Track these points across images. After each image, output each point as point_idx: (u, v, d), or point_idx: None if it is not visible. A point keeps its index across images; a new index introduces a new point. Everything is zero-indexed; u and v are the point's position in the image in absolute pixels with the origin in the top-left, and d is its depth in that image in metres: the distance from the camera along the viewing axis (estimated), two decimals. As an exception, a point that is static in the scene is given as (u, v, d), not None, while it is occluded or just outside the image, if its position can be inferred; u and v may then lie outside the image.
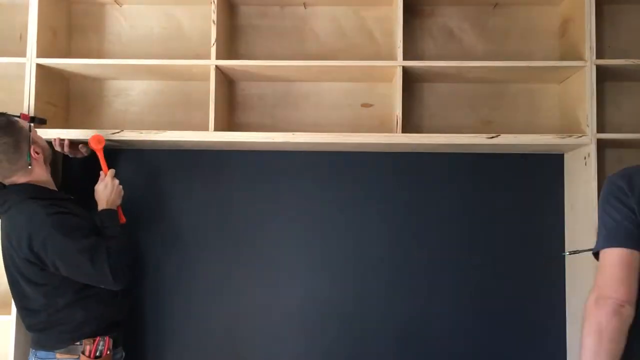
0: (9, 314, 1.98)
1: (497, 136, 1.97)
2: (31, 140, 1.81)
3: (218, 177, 2.24)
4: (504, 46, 2.25)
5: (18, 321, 1.97)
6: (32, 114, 2.02)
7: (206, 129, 2.02)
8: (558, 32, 2.24)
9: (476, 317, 2.17)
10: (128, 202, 2.24)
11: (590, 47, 1.98)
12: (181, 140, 2.04)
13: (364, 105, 2.27)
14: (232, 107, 2.28)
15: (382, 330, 2.19)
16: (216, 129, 2.03)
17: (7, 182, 1.82)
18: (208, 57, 2.05)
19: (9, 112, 2.02)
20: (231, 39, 2.28)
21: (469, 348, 2.17)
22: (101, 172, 1.97)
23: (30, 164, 1.78)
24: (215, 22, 2.07)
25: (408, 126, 2.15)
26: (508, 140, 1.97)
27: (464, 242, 2.19)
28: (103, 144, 1.97)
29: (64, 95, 2.27)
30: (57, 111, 2.20)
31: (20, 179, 1.82)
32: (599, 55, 2.02)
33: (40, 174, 1.86)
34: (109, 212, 1.90)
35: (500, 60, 2.10)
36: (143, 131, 2.02)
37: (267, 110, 2.28)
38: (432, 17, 2.27)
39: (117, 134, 2.01)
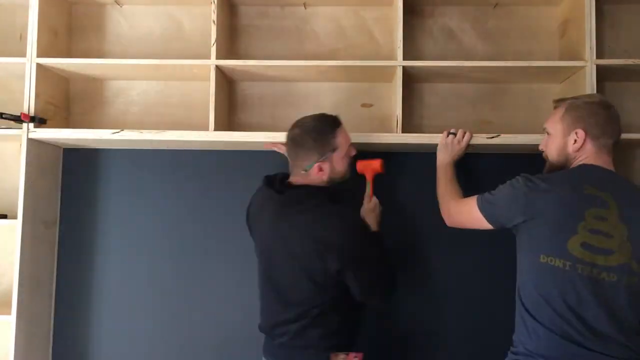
0: (9, 314, 1.98)
1: (497, 136, 1.97)
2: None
3: (218, 177, 2.24)
4: (504, 46, 2.25)
5: (18, 321, 1.98)
6: (32, 114, 2.02)
7: (206, 129, 2.02)
8: (558, 32, 2.24)
9: (476, 317, 2.17)
10: (128, 202, 2.25)
11: (590, 47, 1.98)
12: (181, 140, 2.04)
13: (364, 105, 2.28)
14: (232, 107, 2.28)
15: (382, 331, 2.19)
16: (216, 129, 2.03)
17: (295, 170, 1.76)
18: (208, 57, 2.05)
19: (9, 112, 2.03)
20: (231, 39, 2.28)
21: (470, 348, 2.17)
22: (366, 195, 1.97)
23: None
24: (215, 22, 2.07)
25: (408, 126, 2.15)
26: (508, 140, 1.97)
27: (464, 241, 2.18)
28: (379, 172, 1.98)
29: (64, 95, 2.27)
30: (57, 111, 2.20)
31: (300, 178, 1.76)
32: (599, 55, 2.02)
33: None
34: (380, 234, 1.85)
35: (500, 60, 2.10)
36: (143, 131, 2.02)
37: (267, 110, 2.28)
38: (432, 17, 2.27)
39: (117, 134, 2.01)
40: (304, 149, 1.73)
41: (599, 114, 1.61)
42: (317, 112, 2.24)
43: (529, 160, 2.18)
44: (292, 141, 1.76)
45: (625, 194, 1.53)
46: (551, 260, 1.48)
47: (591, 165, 1.58)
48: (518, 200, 1.55)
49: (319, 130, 1.74)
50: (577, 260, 1.45)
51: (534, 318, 1.51)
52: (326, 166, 1.73)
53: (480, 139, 1.97)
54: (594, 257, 1.45)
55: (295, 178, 1.77)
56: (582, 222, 1.46)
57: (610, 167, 1.61)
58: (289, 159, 1.80)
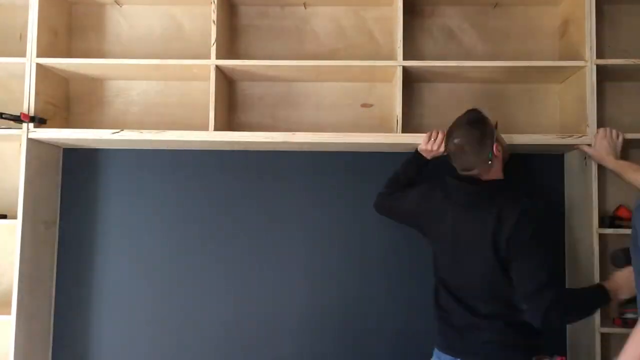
0: (9, 313, 1.98)
1: (497, 136, 1.97)
2: (495, 138, 1.76)
3: (218, 177, 2.24)
4: (504, 46, 2.25)
5: (18, 321, 1.97)
6: (32, 114, 2.02)
7: (206, 129, 2.02)
8: (558, 32, 2.24)
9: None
10: (128, 202, 2.25)
11: (590, 47, 1.98)
12: (181, 140, 2.04)
13: (364, 105, 2.27)
14: (232, 107, 2.28)
15: (383, 331, 2.19)
16: (216, 129, 2.03)
17: (465, 173, 1.77)
18: (208, 57, 2.05)
19: (9, 112, 2.03)
20: (231, 39, 2.28)
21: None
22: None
23: (490, 160, 1.74)
24: (215, 22, 2.07)
25: (408, 126, 2.15)
26: (508, 140, 1.96)
27: (464, 242, 2.18)
28: None
29: (64, 95, 2.27)
30: (57, 111, 2.20)
31: (484, 174, 1.76)
32: (599, 55, 2.02)
33: (498, 172, 1.79)
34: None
35: (500, 60, 2.10)
36: (143, 131, 2.02)
37: (267, 110, 2.28)
38: (432, 17, 2.27)
39: (117, 134, 2.01)
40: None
41: None
42: (317, 111, 2.27)
43: (529, 160, 2.19)
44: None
45: None
46: None
47: None
48: None
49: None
50: None
51: None
52: None
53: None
54: None
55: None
56: None
57: None
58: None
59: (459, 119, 1.81)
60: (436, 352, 1.81)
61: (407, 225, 1.98)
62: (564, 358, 1.72)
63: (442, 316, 1.79)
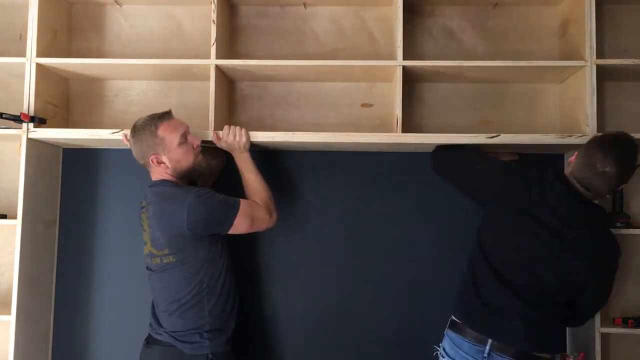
0: (9, 314, 1.98)
1: (497, 136, 1.97)
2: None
3: (217, 177, 2.24)
4: (504, 46, 2.24)
5: (18, 321, 1.98)
6: (32, 114, 2.02)
7: (206, 128, 2.02)
8: (558, 32, 2.24)
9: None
10: (128, 202, 2.25)
11: (590, 47, 1.97)
12: (181, 140, 2.03)
13: (364, 105, 2.27)
14: (232, 107, 2.28)
15: (385, 331, 2.19)
16: (216, 128, 2.03)
17: (587, 193, 1.73)
18: (208, 57, 2.05)
19: (9, 112, 2.03)
20: (231, 39, 2.28)
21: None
22: None
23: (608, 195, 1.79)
24: (215, 22, 2.07)
25: (408, 126, 2.15)
26: (508, 140, 1.96)
27: (464, 241, 2.18)
28: None
29: (64, 95, 2.27)
30: (57, 111, 2.20)
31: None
32: (599, 55, 2.02)
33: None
34: None
35: (500, 60, 2.10)
36: (143, 131, 2.01)
37: (267, 110, 2.28)
38: (432, 17, 2.27)
39: (117, 134, 2.01)
40: None
41: None
42: (317, 111, 2.26)
43: (529, 160, 2.19)
44: None
45: (149, 198, 1.83)
46: None
47: None
48: None
49: None
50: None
51: None
52: None
53: (480, 138, 1.97)
54: None
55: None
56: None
57: None
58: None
59: (618, 141, 1.70)
60: (463, 331, 1.78)
61: (461, 191, 2.00)
62: (584, 354, 1.81)
63: (483, 301, 1.77)
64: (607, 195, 1.76)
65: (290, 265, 2.23)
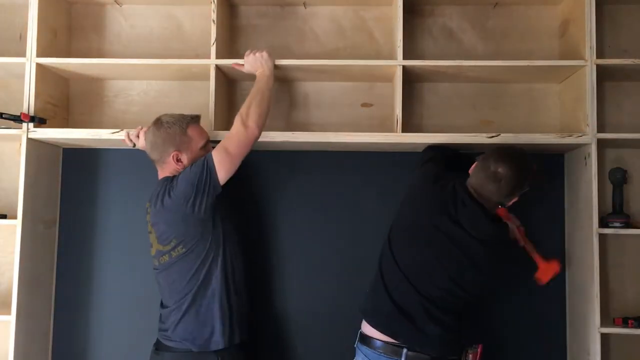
0: (9, 313, 1.98)
1: (497, 136, 1.97)
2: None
3: (218, 177, 2.24)
4: (504, 46, 2.25)
5: (18, 321, 1.97)
6: (32, 114, 2.02)
7: (206, 128, 2.01)
8: (558, 31, 2.24)
9: (476, 316, 2.17)
10: (128, 202, 2.25)
11: (590, 47, 1.97)
12: (181, 140, 2.03)
13: (364, 105, 2.27)
14: (232, 107, 2.28)
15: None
16: (216, 129, 2.03)
17: (480, 199, 1.81)
18: (208, 56, 2.05)
19: (9, 112, 2.03)
20: (231, 39, 2.28)
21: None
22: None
23: (501, 206, 1.88)
24: (215, 21, 2.07)
25: (408, 126, 2.14)
26: (508, 139, 1.96)
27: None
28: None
29: (64, 95, 2.27)
30: (57, 111, 2.20)
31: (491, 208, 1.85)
32: (599, 55, 2.02)
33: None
34: None
35: (500, 59, 2.10)
36: (143, 131, 2.02)
37: (267, 110, 2.28)
38: (432, 16, 2.27)
39: (117, 134, 2.01)
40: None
41: None
42: (317, 111, 2.26)
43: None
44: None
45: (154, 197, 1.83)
46: None
47: None
48: None
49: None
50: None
51: None
52: None
53: (480, 138, 1.97)
54: None
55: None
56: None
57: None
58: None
59: (512, 154, 1.78)
60: (370, 332, 1.82)
61: None
62: (481, 347, 1.83)
63: (390, 299, 1.80)
64: (499, 206, 1.82)
65: (290, 265, 2.23)
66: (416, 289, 1.78)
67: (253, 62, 1.95)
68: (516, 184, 1.74)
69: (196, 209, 1.73)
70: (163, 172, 1.87)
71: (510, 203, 1.81)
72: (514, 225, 1.98)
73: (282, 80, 2.26)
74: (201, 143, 1.85)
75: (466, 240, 1.76)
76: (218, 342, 1.78)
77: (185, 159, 1.82)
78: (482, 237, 1.76)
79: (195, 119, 1.87)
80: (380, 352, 1.77)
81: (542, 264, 1.97)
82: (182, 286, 1.79)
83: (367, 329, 1.84)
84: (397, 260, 1.83)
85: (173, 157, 1.82)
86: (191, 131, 1.84)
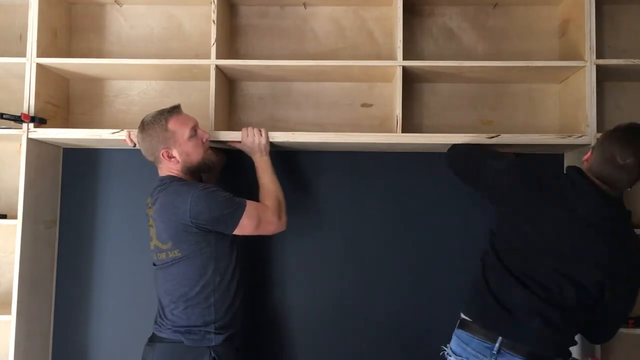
0: (9, 313, 1.98)
1: (497, 136, 1.97)
2: None
3: (218, 177, 2.24)
4: (504, 46, 2.25)
5: (18, 321, 1.98)
6: (32, 114, 2.02)
7: (207, 129, 2.02)
8: (558, 32, 2.24)
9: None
10: (128, 202, 2.25)
11: (590, 47, 1.98)
12: (181, 140, 2.03)
13: (364, 105, 2.28)
14: (232, 107, 2.28)
15: (383, 329, 2.19)
16: (216, 128, 2.03)
17: (608, 189, 1.66)
18: (208, 57, 2.05)
19: (9, 112, 2.03)
20: (231, 39, 2.28)
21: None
22: None
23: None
24: (215, 21, 2.07)
25: (408, 126, 2.15)
26: (508, 140, 1.96)
27: (464, 241, 2.19)
28: None
29: (64, 95, 2.27)
30: (57, 111, 2.20)
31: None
32: (599, 55, 2.02)
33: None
34: None
35: (500, 60, 2.10)
36: (143, 131, 2.02)
37: (267, 110, 2.28)
38: (432, 16, 2.27)
39: (117, 134, 2.01)
40: None
41: None
42: (317, 111, 2.26)
43: (529, 160, 2.19)
44: None
45: (156, 194, 1.81)
46: None
47: None
48: None
49: None
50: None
51: None
52: None
53: (480, 138, 1.97)
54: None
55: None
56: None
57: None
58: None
59: (637, 130, 1.64)
60: (472, 329, 1.71)
61: (474, 189, 1.92)
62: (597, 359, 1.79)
63: (496, 298, 1.69)
64: (629, 189, 1.67)
65: (290, 264, 2.23)
66: (522, 280, 1.67)
67: (251, 145, 1.95)
68: None
69: (200, 226, 1.74)
70: (162, 170, 1.86)
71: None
72: None
73: (282, 80, 2.26)
74: (186, 133, 1.80)
75: (580, 225, 1.62)
76: (211, 339, 1.78)
77: (176, 153, 1.80)
78: (599, 221, 1.62)
79: (172, 110, 1.83)
80: (475, 337, 1.68)
81: None
82: (179, 284, 1.78)
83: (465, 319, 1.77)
84: (497, 250, 1.74)
85: (164, 155, 1.80)
86: (172, 124, 1.80)
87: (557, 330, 1.64)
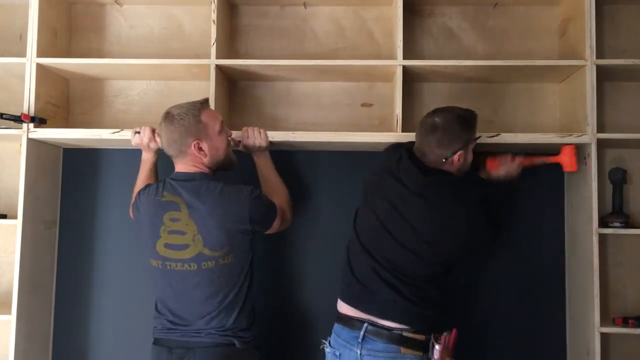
0: (9, 314, 1.98)
1: (497, 135, 1.97)
2: (466, 149, 1.81)
3: (218, 177, 2.24)
4: (504, 46, 2.25)
5: (18, 321, 1.98)
6: (32, 114, 2.02)
7: (206, 128, 2.02)
8: (558, 31, 2.24)
9: (476, 317, 2.17)
10: (128, 202, 2.25)
11: (590, 47, 1.97)
12: (181, 140, 2.03)
13: (364, 105, 2.28)
14: (232, 107, 2.28)
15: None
16: (216, 128, 2.03)
17: (417, 153, 1.85)
18: (208, 56, 2.05)
19: (9, 112, 2.03)
20: (231, 39, 2.28)
21: (470, 348, 2.17)
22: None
23: (445, 160, 1.79)
24: (215, 21, 2.07)
25: (408, 126, 2.14)
26: (508, 139, 1.97)
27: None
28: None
29: (64, 95, 2.27)
30: (57, 111, 2.20)
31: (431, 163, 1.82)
32: (599, 55, 2.02)
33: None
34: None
35: (500, 59, 2.10)
36: (143, 131, 2.01)
37: (267, 110, 2.28)
38: (432, 16, 2.27)
39: (117, 134, 2.01)
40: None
41: None
42: (317, 111, 2.26)
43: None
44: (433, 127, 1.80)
45: (191, 194, 1.72)
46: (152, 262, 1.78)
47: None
48: None
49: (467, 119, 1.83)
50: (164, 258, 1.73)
51: None
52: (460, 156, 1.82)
53: (480, 138, 1.97)
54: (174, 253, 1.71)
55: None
56: (162, 226, 1.73)
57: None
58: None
59: (453, 107, 1.87)
60: (343, 320, 1.83)
61: None
62: (455, 331, 1.77)
63: (356, 277, 1.83)
64: (443, 160, 1.78)
65: (290, 264, 2.23)
66: (370, 254, 1.80)
67: (252, 145, 1.94)
68: (452, 137, 1.77)
69: (256, 230, 1.76)
70: (186, 165, 1.78)
71: (456, 156, 1.78)
72: (505, 168, 1.97)
73: (282, 80, 2.26)
74: (217, 126, 1.77)
75: (408, 198, 1.78)
76: (254, 339, 1.80)
77: (206, 146, 1.75)
78: (419, 190, 1.77)
79: (205, 103, 1.80)
80: (345, 327, 1.80)
81: (559, 158, 1.98)
82: (226, 288, 1.73)
83: (338, 304, 1.88)
84: (357, 231, 1.89)
85: (194, 146, 1.74)
86: (205, 117, 1.75)
87: (410, 303, 1.75)
